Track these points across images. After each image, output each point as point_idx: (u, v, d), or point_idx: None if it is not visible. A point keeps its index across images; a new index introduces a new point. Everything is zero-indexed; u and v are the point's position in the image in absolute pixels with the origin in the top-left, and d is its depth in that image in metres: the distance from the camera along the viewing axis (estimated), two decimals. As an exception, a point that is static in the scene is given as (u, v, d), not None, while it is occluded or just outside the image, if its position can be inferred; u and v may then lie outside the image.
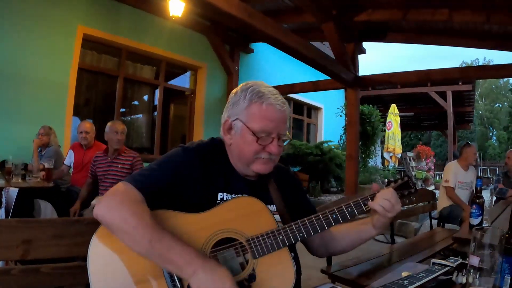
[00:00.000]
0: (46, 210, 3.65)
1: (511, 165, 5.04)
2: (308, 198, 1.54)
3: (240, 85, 1.30)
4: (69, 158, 4.47)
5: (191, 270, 0.99)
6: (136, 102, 7.63)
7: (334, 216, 1.22)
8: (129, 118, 7.59)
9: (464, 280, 1.15)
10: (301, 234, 1.18)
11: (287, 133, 1.29)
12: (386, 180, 1.35)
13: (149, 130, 7.65)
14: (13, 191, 3.02)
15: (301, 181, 1.60)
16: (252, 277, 1.10)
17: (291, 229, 1.17)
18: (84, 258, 1.06)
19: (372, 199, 1.25)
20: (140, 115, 7.82)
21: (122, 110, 7.05)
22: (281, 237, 1.15)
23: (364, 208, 1.25)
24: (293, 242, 1.17)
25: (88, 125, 4.48)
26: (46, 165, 3.88)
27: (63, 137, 5.37)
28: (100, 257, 1.05)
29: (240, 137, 1.24)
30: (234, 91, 1.30)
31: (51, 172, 3.92)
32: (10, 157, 3.94)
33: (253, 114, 1.21)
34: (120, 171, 3.68)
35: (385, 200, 1.22)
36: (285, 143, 1.29)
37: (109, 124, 3.83)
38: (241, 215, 1.17)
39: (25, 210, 3.47)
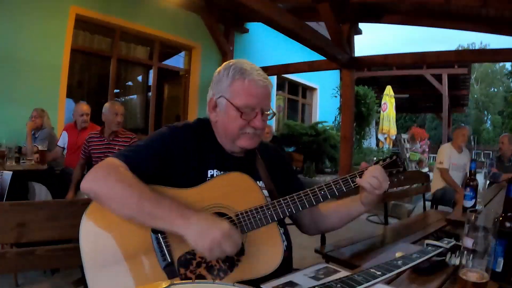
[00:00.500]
0: (41, 192, 3.64)
1: (505, 150, 5.07)
2: (297, 176, 1.55)
3: (223, 64, 1.32)
4: (62, 140, 4.43)
5: (184, 221, 1.01)
6: (130, 83, 7.58)
7: (322, 192, 1.22)
8: (123, 99, 7.55)
9: (457, 262, 1.17)
10: (289, 209, 1.18)
11: (271, 108, 1.31)
12: (375, 158, 1.35)
13: (143, 111, 7.62)
14: (7, 175, 3.01)
15: (289, 160, 1.61)
16: (241, 251, 1.11)
17: (280, 204, 1.18)
18: (78, 241, 1.06)
19: (361, 177, 1.26)
20: (134, 96, 7.78)
21: (116, 91, 7.01)
22: (269, 212, 1.16)
23: (352, 184, 1.26)
24: (282, 217, 1.18)
25: (86, 107, 4.43)
26: (40, 148, 3.85)
27: (56, 119, 5.32)
28: (91, 235, 1.06)
29: (225, 114, 1.26)
30: (217, 69, 1.32)
31: (45, 154, 3.89)
32: (4, 140, 3.92)
33: (236, 90, 1.24)
34: None
35: (373, 177, 1.23)
36: (269, 118, 1.32)
37: (107, 105, 3.70)
38: (230, 190, 1.18)
39: (19, 193, 3.46)
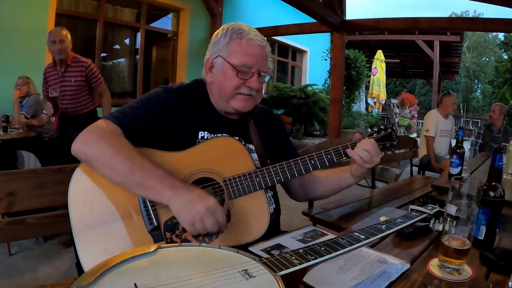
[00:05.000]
0: (29, 160, 3.62)
1: (495, 119, 5.08)
2: (290, 141, 1.55)
3: (221, 27, 1.30)
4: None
5: (172, 192, 0.99)
6: (117, 46, 7.41)
7: (312, 162, 1.22)
8: (110, 63, 7.41)
9: (440, 228, 1.20)
10: (278, 178, 1.19)
11: (269, 70, 1.30)
12: (369, 129, 1.34)
13: (131, 74, 7.51)
14: (-5, 145, 2.98)
15: (283, 124, 1.59)
16: (227, 218, 1.11)
17: (269, 172, 1.18)
18: (67, 207, 1.05)
19: (353, 148, 1.25)
20: (122, 59, 7.64)
21: (103, 54, 6.87)
22: (258, 179, 1.16)
23: (343, 156, 1.25)
24: (270, 184, 1.18)
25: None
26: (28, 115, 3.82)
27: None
28: (79, 198, 1.05)
29: (221, 73, 1.25)
30: (215, 32, 1.31)
31: (32, 122, 3.86)
32: (-10, 110, 3.86)
33: (234, 49, 1.23)
34: (75, 85, 3.34)
35: (365, 151, 1.22)
36: (266, 79, 1.30)
37: (47, 34, 3.36)
38: (219, 155, 1.17)
39: (8, 162, 3.44)
